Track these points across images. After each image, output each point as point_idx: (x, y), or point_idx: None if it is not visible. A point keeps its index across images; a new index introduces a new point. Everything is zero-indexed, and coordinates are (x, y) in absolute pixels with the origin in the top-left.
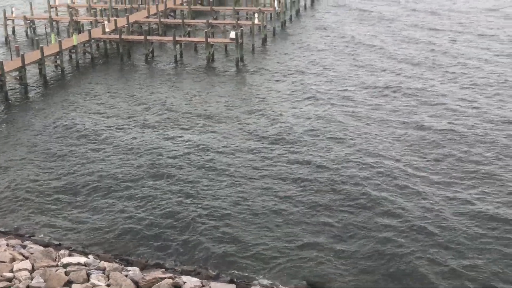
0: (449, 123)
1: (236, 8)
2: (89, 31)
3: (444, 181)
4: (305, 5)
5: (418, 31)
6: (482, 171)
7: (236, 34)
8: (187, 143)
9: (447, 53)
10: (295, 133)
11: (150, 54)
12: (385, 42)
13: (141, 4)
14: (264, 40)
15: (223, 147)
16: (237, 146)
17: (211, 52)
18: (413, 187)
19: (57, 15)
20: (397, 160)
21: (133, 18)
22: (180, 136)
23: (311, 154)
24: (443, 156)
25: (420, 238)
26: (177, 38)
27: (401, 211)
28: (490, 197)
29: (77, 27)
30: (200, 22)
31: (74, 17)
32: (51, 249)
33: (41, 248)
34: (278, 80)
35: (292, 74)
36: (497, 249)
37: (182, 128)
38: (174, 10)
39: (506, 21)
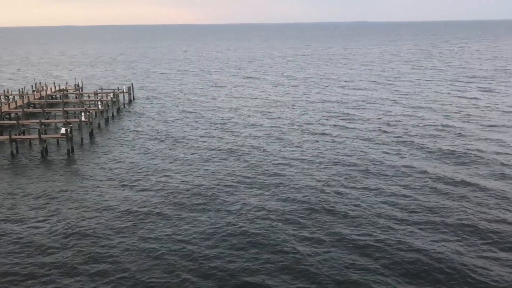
0: None
1: (65, 108)
2: None
3: None
4: (124, 104)
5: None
6: None
7: (66, 130)
8: (18, 235)
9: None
10: (121, 217)
11: None
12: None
13: None
14: (91, 134)
15: (55, 232)
16: (68, 228)
17: (45, 147)
18: None
19: None
20: None
21: None
22: (16, 229)
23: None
24: None
25: None
26: (13, 137)
27: None
28: None
29: None
30: (33, 121)
31: None
32: None
33: None
34: (104, 168)
35: (116, 162)
36: None
37: (15, 220)
38: (9, 113)
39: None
